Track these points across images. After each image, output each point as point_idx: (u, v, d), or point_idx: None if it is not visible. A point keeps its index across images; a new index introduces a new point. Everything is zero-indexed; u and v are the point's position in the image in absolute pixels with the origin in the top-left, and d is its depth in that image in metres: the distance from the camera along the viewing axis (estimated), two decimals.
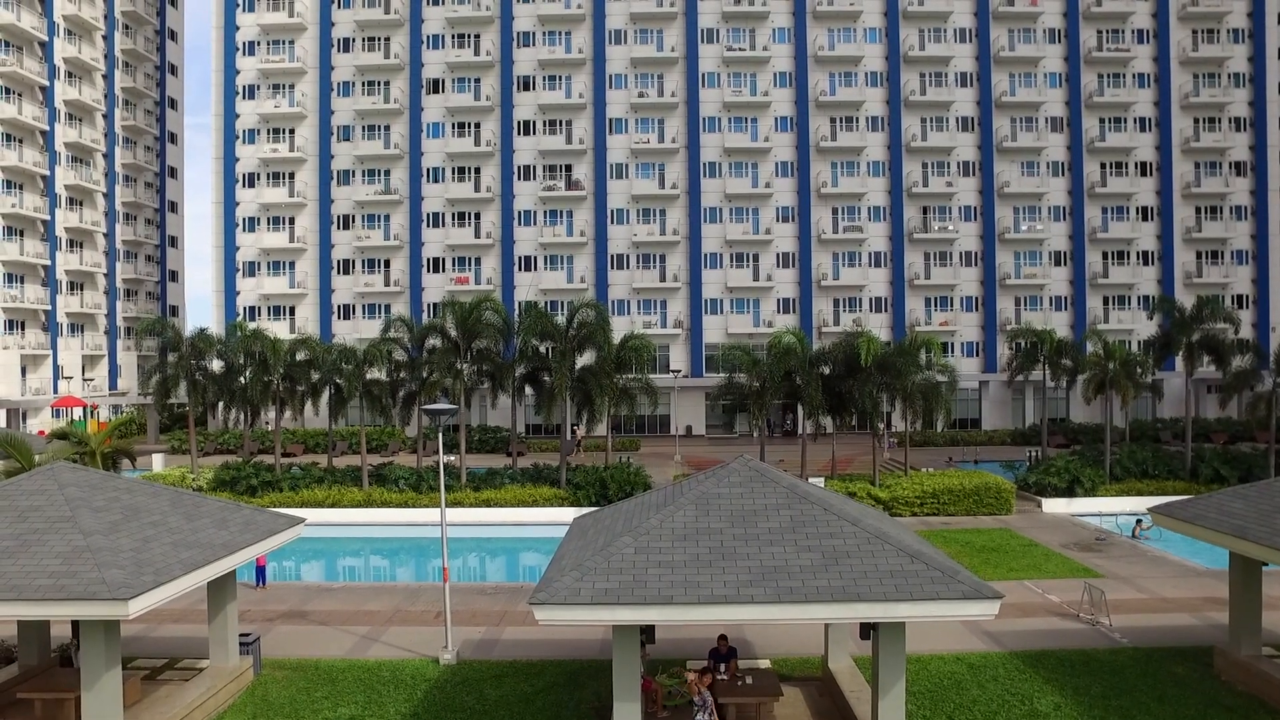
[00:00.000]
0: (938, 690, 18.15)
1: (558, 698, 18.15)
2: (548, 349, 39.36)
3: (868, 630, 14.19)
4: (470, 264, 69.66)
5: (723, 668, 16.66)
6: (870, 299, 69.03)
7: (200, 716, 17.04)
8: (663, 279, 68.70)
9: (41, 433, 48.36)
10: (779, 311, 68.58)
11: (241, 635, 19.53)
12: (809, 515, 14.49)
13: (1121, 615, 22.92)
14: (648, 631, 14.23)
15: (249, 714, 17.53)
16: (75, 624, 14.69)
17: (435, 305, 66.88)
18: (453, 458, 42.62)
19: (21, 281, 66.47)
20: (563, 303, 63.08)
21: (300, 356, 39.57)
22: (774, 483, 15.36)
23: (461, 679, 19.27)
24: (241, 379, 39.33)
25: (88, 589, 13.50)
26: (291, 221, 70.12)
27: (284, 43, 70.20)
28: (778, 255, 69.16)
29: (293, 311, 69.86)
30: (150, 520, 16.22)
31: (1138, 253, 69.69)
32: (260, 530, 18.04)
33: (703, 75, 69.11)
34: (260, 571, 27.03)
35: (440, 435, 20.95)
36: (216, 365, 41.91)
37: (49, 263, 67.96)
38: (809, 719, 16.71)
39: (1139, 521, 33.63)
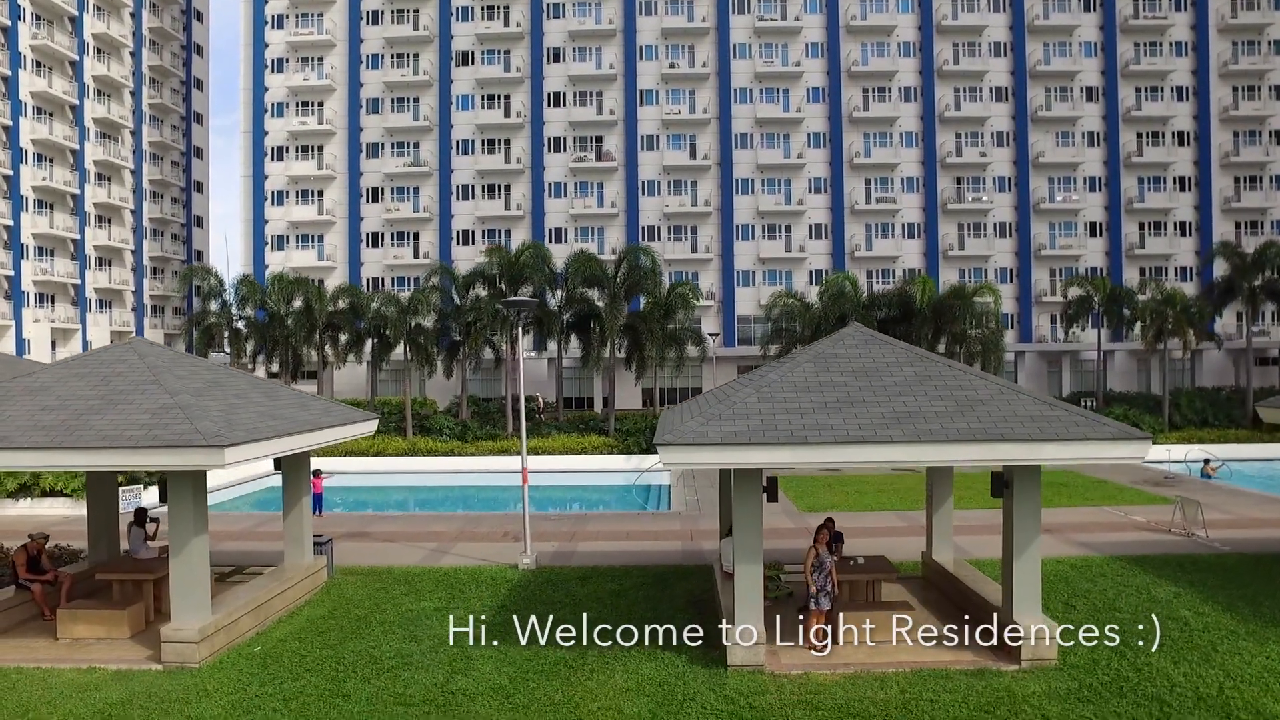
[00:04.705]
0: (1048, 585, 17.23)
1: (649, 593, 17.42)
2: (593, 298, 38.66)
3: (1000, 487, 13.43)
4: (500, 236, 68.98)
5: (832, 548, 15.91)
6: (904, 270, 67.99)
7: (280, 605, 16.38)
8: (694, 250, 67.90)
9: None
10: (811, 283, 67.52)
11: (315, 536, 18.91)
12: (934, 370, 13.77)
13: (1215, 530, 22.06)
14: (770, 489, 13.49)
15: (328, 607, 16.85)
16: (163, 479, 14.02)
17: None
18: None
19: (52, 255, 66.21)
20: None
21: (343, 304, 39.01)
22: (890, 344, 14.66)
23: (544, 580, 18.58)
24: (285, 326, 38.77)
25: (181, 438, 12.83)
26: (320, 194, 69.68)
27: (312, 16, 69.80)
28: (810, 226, 68.34)
29: (322, 284, 69.19)
30: (233, 392, 15.58)
31: (1175, 223, 68.54)
32: (338, 416, 17.39)
33: (734, 46, 68.34)
34: (318, 499, 26.42)
35: (518, 319, 20.20)
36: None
37: (78, 237, 67.69)
38: (918, 605, 15.94)
39: (1207, 461, 32.77)
